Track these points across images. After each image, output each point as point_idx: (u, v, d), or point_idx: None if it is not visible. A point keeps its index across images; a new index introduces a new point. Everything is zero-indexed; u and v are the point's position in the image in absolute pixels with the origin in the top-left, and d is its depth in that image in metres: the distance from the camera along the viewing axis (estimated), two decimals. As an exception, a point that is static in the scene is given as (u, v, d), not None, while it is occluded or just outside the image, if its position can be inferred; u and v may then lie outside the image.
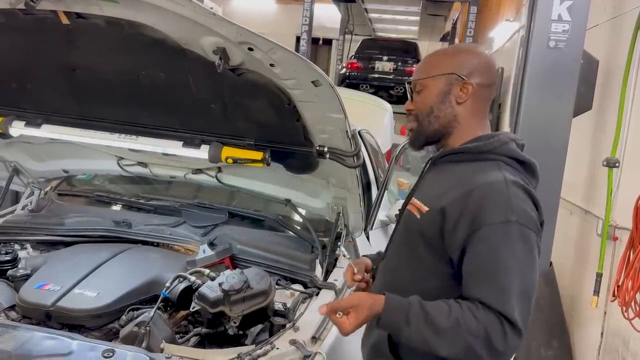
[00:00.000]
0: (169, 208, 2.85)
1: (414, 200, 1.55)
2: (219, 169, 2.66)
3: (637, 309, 2.70)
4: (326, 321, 1.93)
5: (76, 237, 2.65)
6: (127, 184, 3.14)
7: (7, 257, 2.35)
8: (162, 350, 1.80)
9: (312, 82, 1.76)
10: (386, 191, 3.05)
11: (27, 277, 2.21)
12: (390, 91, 11.45)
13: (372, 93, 9.67)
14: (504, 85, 7.25)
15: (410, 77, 1.62)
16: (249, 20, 13.54)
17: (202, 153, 2.17)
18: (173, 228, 2.70)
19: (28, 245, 2.64)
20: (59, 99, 2.27)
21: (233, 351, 1.80)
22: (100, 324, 2.04)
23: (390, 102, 7.71)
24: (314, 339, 1.86)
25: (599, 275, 3.18)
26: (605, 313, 3.17)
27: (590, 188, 3.65)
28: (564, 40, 3.27)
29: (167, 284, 2.12)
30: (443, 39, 16.30)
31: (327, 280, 2.31)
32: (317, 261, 2.42)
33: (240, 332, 2.02)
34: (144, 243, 2.63)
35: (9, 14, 1.82)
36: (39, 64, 2.13)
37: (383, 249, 1.72)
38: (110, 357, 1.68)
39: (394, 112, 7.09)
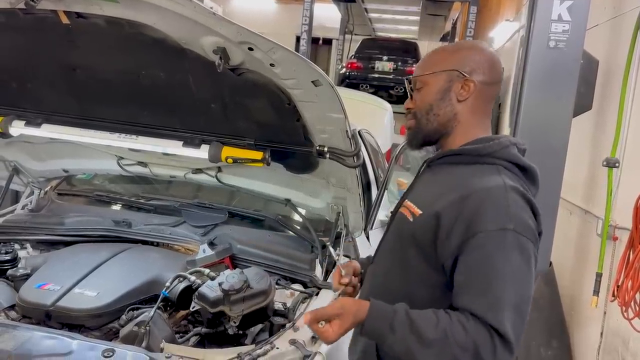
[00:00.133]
0: (168, 208, 2.85)
1: (408, 202, 1.49)
2: (219, 169, 2.66)
3: (637, 308, 2.70)
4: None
5: (76, 236, 2.65)
6: (127, 184, 3.15)
7: (7, 257, 2.36)
8: (162, 350, 1.80)
9: (312, 81, 1.76)
10: (386, 191, 3.05)
11: (27, 276, 2.21)
12: (390, 91, 11.46)
13: (372, 93, 9.67)
14: (504, 85, 7.25)
15: (411, 76, 1.55)
16: (249, 20, 13.55)
17: (202, 153, 2.17)
18: (173, 228, 2.70)
19: (28, 245, 2.64)
20: (59, 98, 2.27)
21: (233, 351, 1.80)
22: (100, 323, 2.04)
23: (390, 102, 7.71)
24: (314, 338, 1.85)
25: (599, 275, 3.18)
26: (605, 313, 3.17)
27: (590, 188, 3.65)
28: (564, 40, 3.27)
29: (167, 284, 2.12)
30: (443, 39, 16.30)
31: (327, 280, 2.31)
32: (317, 261, 2.42)
33: (240, 332, 2.02)
34: (144, 243, 2.63)
35: (9, 13, 1.82)
36: (39, 64, 2.13)
37: None
38: (110, 356, 1.68)
39: (393, 112, 7.09)
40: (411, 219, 1.43)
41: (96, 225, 2.71)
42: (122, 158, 2.79)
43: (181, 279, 2.18)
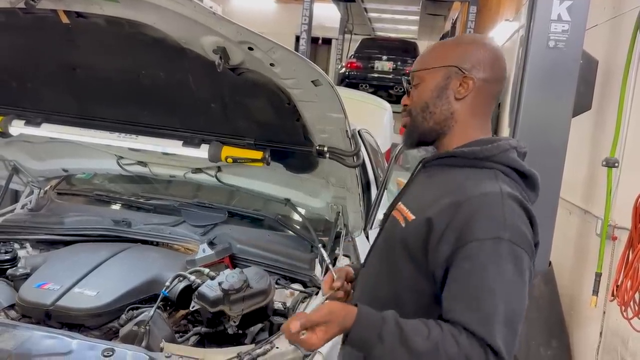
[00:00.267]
0: (168, 207, 2.85)
1: (400, 205, 1.41)
2: (219, 169, 2.66)
3: (636, 308, 2.70)
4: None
5: (76, 236, 2.65)
6: (127, 183, 3.14)
7: (7, 256, 2.36)
8: (161, 350, 1.80)
9: (312, 81, 1.76)
10: (385, 191, 3.05)
11: (26, 276, 2.21)
12: (390, 90, 11.50)
13: (372, 92, 9.70)
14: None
15: (409, 71, 1.50)
16: (248, 19, 13.55)
17: (202, 152, 2.17)
18: (173, 227, 2.70)
19: (27, 245, 2.64)
20: (58, 98, 2.27)
21: (233, 350, 1.80)
22: (99, 323, 2.04)
23: (390, 102, 7.73)
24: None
25: (598, 275, 3.19)
26: (604, 313, 3.17)
27: (590, 188, 3.65)
28: (564, 40, 3.27)
29: (167, 283, 2.12)
30: (442, 38, 16.29)
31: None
32: (317, 260, 2.42)
33: (240, 332, 2.02)
34: (144, 242, 2.63)
35: (9, 13, 1.82)
36: (39, 63, 2.12)
37: None
38: (110, 356, 1.68)
39: (393, 112, 7.10)
40: (403, 224, 1.36)
41: (96, 224, 2.71)
42: (121, 157, 2.79)
43: (181, 278, 2.18)
